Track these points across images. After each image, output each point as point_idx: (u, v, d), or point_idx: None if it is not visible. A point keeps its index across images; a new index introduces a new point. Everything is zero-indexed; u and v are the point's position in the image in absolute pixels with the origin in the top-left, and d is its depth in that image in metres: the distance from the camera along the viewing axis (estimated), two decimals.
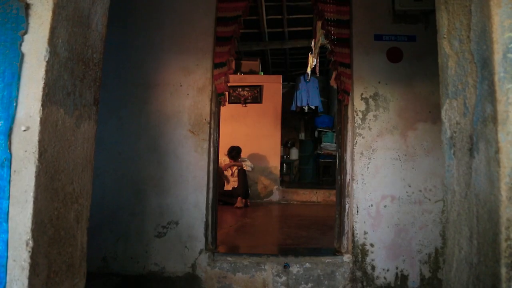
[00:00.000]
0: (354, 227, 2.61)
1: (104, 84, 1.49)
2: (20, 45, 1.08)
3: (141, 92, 2.74)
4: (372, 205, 2.61)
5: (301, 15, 6.43)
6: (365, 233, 2.59)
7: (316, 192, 6.28)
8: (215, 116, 2.79)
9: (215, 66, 2.75)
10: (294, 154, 7.98)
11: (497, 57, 0.97)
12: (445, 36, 1.26)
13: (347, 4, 2.81)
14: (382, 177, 2.62)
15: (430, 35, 2.62)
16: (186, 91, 2.72)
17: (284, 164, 7.58)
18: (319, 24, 4.05)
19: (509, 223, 0.90)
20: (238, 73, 7.04)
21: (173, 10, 2.79)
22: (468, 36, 1.12)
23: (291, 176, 7.90)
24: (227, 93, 2.96)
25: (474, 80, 1.07)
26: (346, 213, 2.74)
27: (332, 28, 2.80)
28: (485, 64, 1.01)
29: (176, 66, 2.75)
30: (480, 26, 1.06)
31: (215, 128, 2.78)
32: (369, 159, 2.63)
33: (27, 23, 1.09)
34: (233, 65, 3.79)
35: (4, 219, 1.05)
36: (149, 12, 2.80)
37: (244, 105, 6.55)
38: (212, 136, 2.73)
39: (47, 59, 1.07)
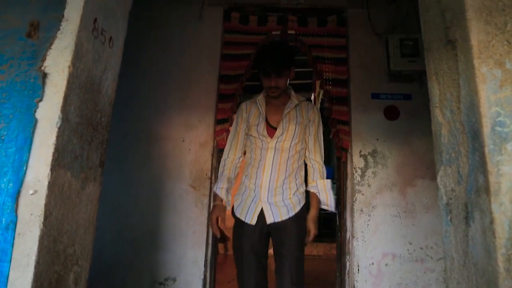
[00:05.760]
0: (355, 286, 2.55)
1: None
2: (35, 111, 1.14)
3: (144, 145, 2.79)
4: (373, 263, 2.56)
5: (301, 69, 6.66)
6: None
7: (317, 246, 6.13)
8: (216, 172, 2.81)
9: (217, 122, 2.83)
10: None
11: (486, 130, 1.02)
12: (437, 105, 1.33)
13: (345, 64, 2.95)
14: (382, 234, 2.61)
15: (425, 94, 2.70)
16: (188, 146, 2.78)
17: None
18: (318, 81, 4.20)
19: None
20: None
21: (178, 67, 2.92)
22: (459, 107, 1.18)
23: None
24: None
25: (466, 149, 1.12)
26: (346, 271, 2.68)
27: (331, 87, 2.91)
28: (475, 136, 1.06)
29: (179, 121, 2.83)
30: (468, 99, 1.12)
31: None
32: (369, 216, 2.63)
33: (43, 91, 1.15)
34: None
35: (3, 283, 1.05)
36: (154, 68, 2.92)
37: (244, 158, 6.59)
38: (213, 191, 2.74)
39: (59, 125, 1.12)
